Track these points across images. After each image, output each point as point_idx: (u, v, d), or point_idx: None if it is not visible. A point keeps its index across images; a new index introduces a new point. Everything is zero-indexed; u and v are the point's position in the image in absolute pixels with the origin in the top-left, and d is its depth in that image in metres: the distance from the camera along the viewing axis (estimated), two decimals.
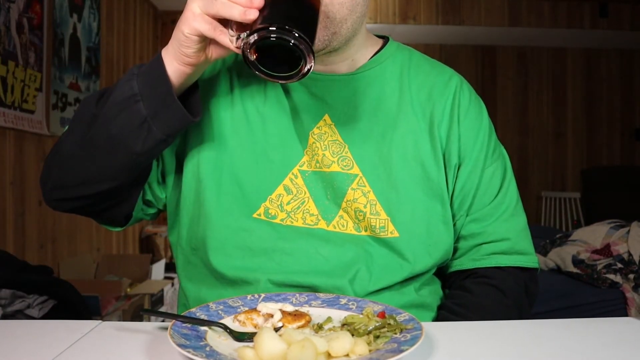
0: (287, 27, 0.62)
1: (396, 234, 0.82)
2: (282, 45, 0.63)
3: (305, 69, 0.66)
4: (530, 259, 0.89)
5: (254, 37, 0.64)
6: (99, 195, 0.81)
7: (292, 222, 0.82)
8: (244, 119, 0.86)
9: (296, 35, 0.62)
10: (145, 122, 0.73)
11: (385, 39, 0.94)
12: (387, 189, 0.83)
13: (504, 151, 0.94)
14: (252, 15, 0.65)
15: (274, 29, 0.63)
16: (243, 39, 0.65)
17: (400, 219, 0.82)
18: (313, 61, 0.65)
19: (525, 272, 0.89)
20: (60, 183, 0.81)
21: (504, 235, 0.87)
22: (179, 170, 0.88)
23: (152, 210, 0.92)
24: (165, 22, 4.66)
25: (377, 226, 0.82)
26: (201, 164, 0.84)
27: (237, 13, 0.65)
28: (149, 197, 0.90)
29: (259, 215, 0.82)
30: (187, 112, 0.74)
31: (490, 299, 0.84)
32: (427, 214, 0.84)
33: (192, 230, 0.86)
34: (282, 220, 0.82)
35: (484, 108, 0.92)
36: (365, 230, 0.82)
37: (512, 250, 0.87)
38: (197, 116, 0.77)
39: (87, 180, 0.79)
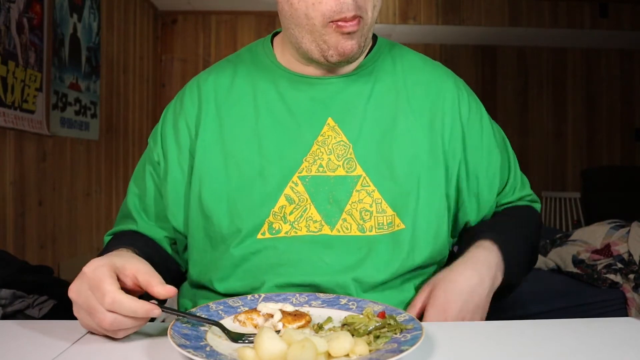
0: None
1: (402, 226, 0.83)
2: None
3: None
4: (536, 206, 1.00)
5: None
6: None
7: (296, 233, 0.82)
8: (238, 143, 0.86)
9: None
10: None
11: (374, 37, 0.95)
12: (390, 185, 0.84)
13: (504, 133, 1.00)
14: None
15: None
16: None
17: (405, 212, 0.83)
18: None
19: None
20: None
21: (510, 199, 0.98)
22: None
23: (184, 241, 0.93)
24: (165, 22, 4.66)
25: (385, 223, 0.82)
26: (204, 199, 0.84)
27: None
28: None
29: (264, 234, 0.82)
30: None
31: (506, 216, 0.94)
32: (429, 207, 0.85)
33: (201, 265, 0.87)
34: (286, 232, 0.82)
35: (479, 100, 0.96)
36: (370, 230, 0.82)
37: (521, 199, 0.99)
38: None
39: None
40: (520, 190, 0.98)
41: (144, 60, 4.29)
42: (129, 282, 0.64)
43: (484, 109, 0.94)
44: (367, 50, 0.91)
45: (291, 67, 0.89)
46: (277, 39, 0.93)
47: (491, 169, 0.91)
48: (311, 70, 0.88)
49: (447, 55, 4.97)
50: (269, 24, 4.68)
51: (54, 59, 2.83)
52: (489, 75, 5.08)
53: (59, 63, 2.90)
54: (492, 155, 0.92)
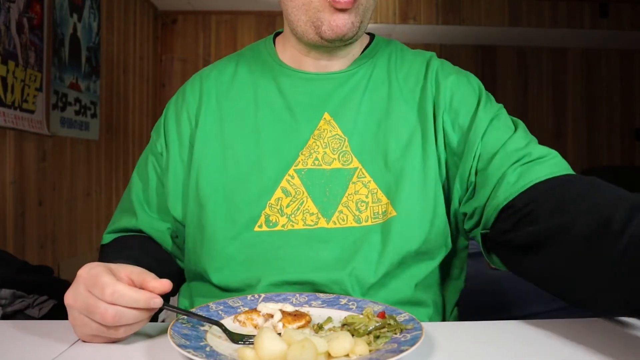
0: None
1: (394, 214, 0.82)
2: None
3: None
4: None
5: None
6: None
7: (292, 226, 0.82)
8: (236, 136, 0.87)
9: None
10: None
11: (371, 35, 0.97)
12: (385, 173, 0.84)
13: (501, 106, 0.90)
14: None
15: None
16: None
17: (398, 198, 0.83)
18: None
19: None
20: None
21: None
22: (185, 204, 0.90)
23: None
24: (165, 22, 4.66)
25: (380, 212, 0.83)
26: (200, 188, 0.86)
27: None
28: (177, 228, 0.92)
29: (260, 226, 0.83)
30: None
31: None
32: (423, 192, 0.84)
33: (195, 254, 0.87)
34: (283, 226, 0.82)
35: (472, 75, 0.92)
36: (366, 221, 0.83)
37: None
38: None
39: None
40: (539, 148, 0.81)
41: (144, 60, 4.29)
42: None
43: (478, 86, 0.89)
44: (364, 46, 0.93)
45: (292, 64, 0.91)
46: (279, 38, 0.96)
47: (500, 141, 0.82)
48: (311, 65, 0.90)
49: (447, 55, 4.96)
50: (269, 24, 4.68)
51: (54, 59, 2.83)
52: (489, 75, 5.08)
53: (59, 63, 2.90)
54: (497, 127, 0.84)
